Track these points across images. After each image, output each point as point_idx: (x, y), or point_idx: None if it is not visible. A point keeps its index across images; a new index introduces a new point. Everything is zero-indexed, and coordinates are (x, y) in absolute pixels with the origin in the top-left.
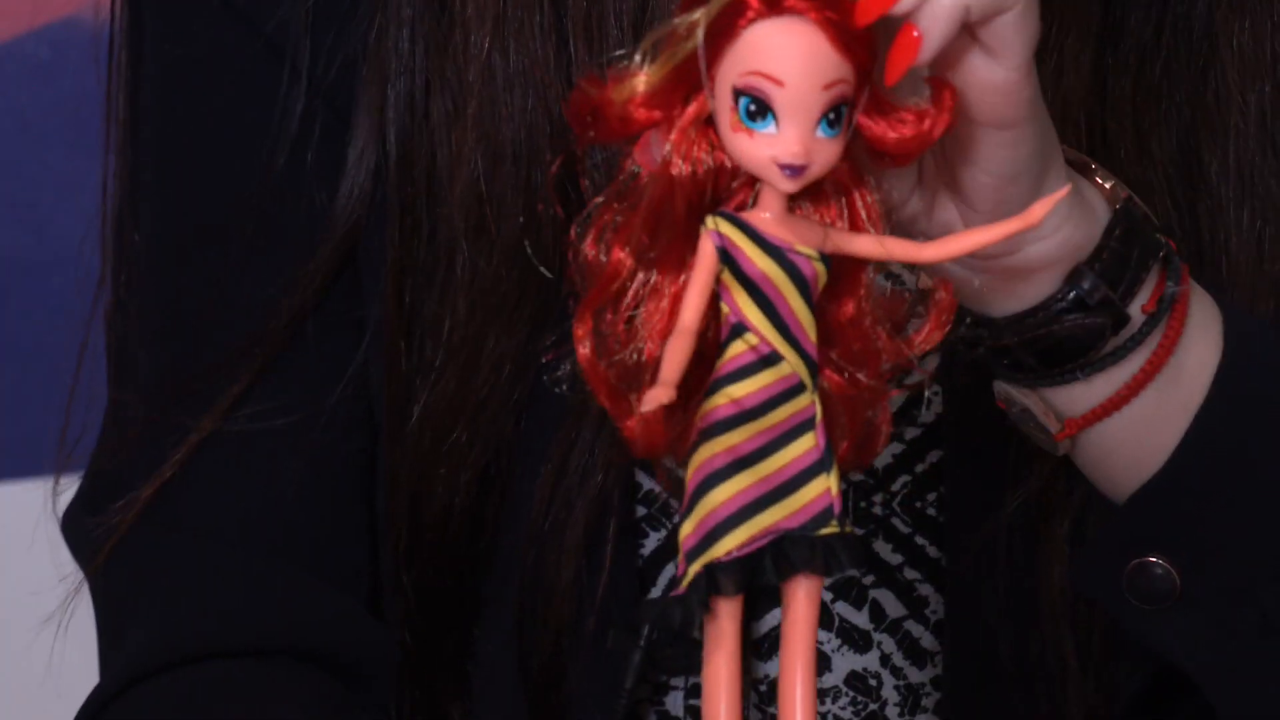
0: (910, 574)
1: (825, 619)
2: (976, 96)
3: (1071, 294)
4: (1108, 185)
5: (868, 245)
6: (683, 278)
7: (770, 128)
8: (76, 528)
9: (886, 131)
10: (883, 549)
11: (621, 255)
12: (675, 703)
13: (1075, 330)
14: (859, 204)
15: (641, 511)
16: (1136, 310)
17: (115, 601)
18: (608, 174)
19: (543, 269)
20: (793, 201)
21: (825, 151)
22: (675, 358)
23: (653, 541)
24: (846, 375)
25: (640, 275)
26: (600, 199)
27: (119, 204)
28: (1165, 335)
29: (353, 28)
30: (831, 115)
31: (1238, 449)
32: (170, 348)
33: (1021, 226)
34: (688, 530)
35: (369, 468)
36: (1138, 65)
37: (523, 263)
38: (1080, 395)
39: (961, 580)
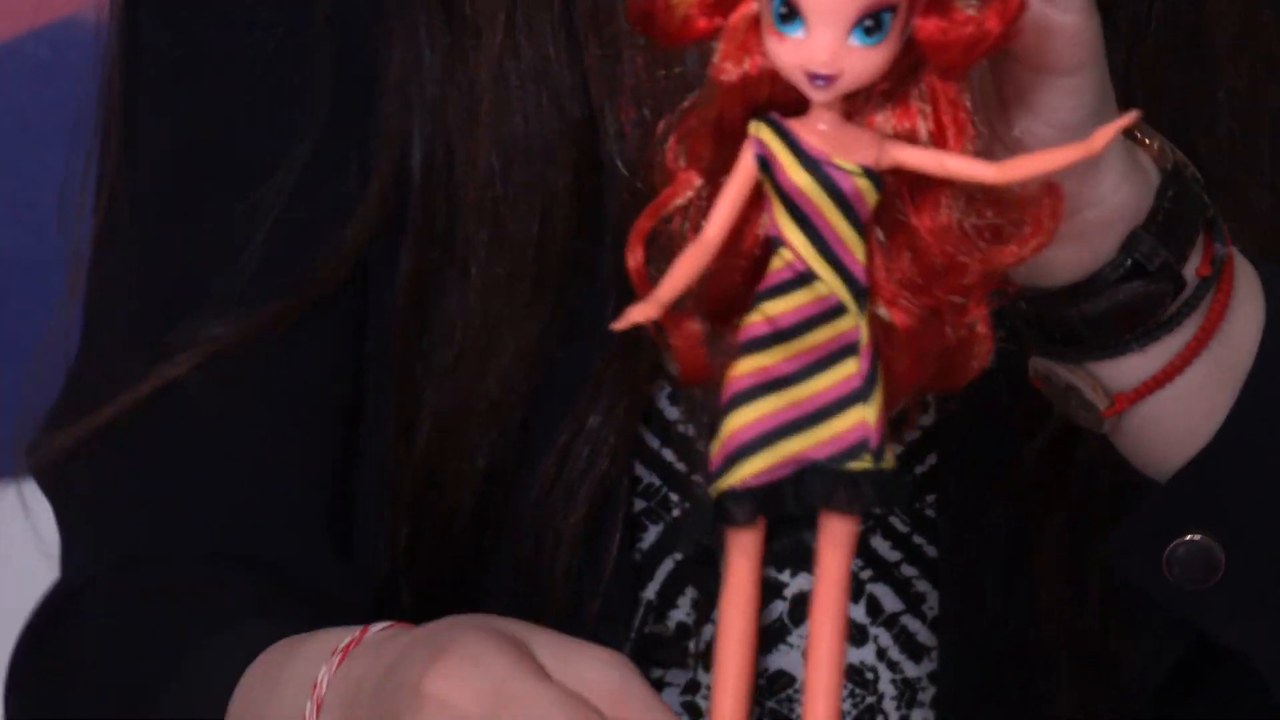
0: (908, 570)
1: None
2: (1039, 41)
3: (1130, 260)
4: (1155, 145)
5: (927, 160)
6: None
7: (800, 32)
8: (40, 451)
9: (940, 33)
10: (880, 545)
11: (688, 172)
12: (670, 699)
13: (1135, 298)
14: (945, 116)
15: (641, 505)
16: (1191, 274)
17: (73, 513)
18: (640, 141)
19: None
20: (862, 105)
21: (861, 61)
22: (680, 274)
23: (652, 535)
24: (916, 297)
25: (708, 188)
26: (687, 103)
27: (107, 207)
28: (1216, 299)
29: (366, 31)
30: (869, 22)
31: None
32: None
33: (1085, 153)
34: (713, 450)
35: (346, 432)
36: (1131, 37)
37: (536, 262)
38: (1133, 367)
39: (958, 576)
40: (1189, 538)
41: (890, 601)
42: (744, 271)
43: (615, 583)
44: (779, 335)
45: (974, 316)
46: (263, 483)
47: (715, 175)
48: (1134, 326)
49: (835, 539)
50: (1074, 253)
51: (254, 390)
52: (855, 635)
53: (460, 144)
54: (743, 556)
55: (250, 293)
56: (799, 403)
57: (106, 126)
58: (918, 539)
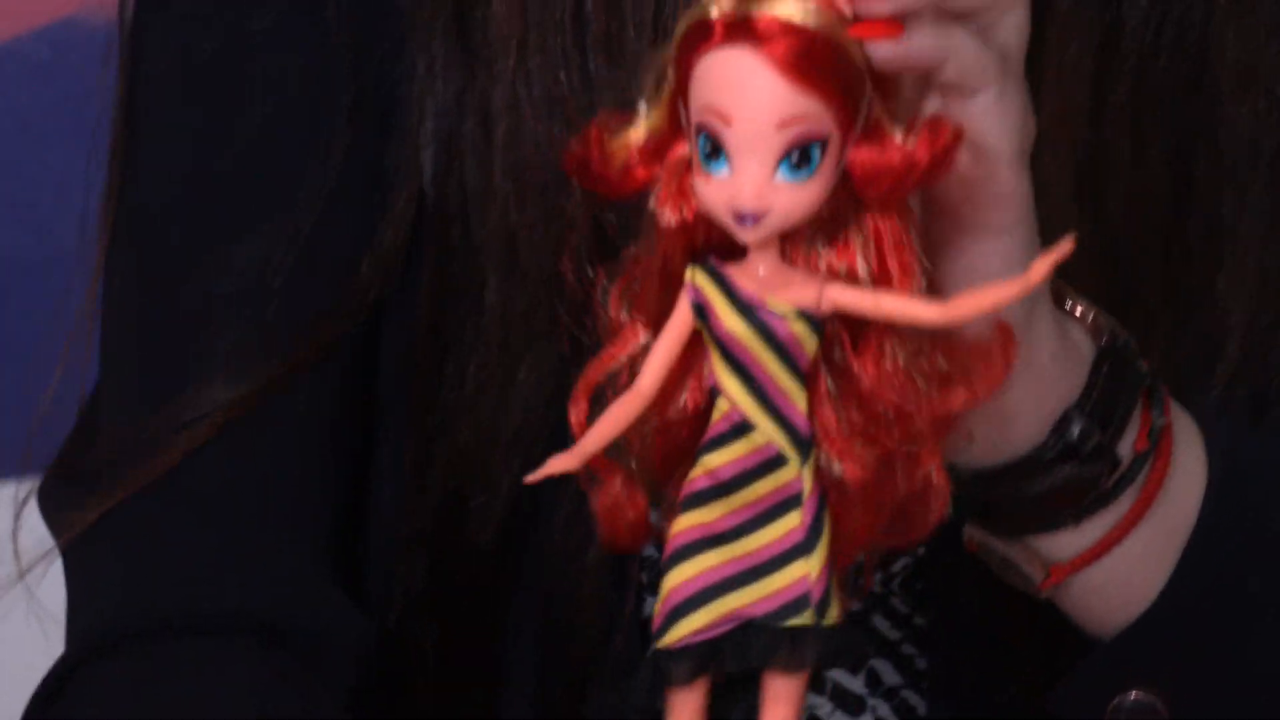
0: (908, 649)
1: (817, 683)
2: (967, 194)
3: (1062, 443)
4: (1089, 316)
5: (867, 303)
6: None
7: (725, 171)
8: (55, 497)
9: (870, 163)
10: (881, 624)
11: (633, 325)
12: None
13: (1068, 481)
14: (890, 257)
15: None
16: (1128, 449)
17: (85, 570)
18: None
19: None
20: (804, 247)
21: (789, 197)
22: (609, 424)
23: None
24: (867, 447)
25: (652, 338)
26: (631, 250)
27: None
28: (1154, 470)
29: (383, 61)
30: (796, 157)
31: (1229, 573)
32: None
33: (1024, 286)
34: (656, 609)
35: (359, 450)
36: (1136, 70)
37: (554, 293)
38: (1068, 541)
39: (952, 669)
40: (1132, 695)
41: (890, 676)
42: (691, 429)
43: (640, 623)
44: (719, 489)
45: (927, 465)
46: (267, 532)
47: (661, 325)
48: (1067, 506)
49: (778, 695)
50: (1003, 434)
51: (262, 434)
52: (852, 705)
53: (474, 174)
54: (682, 715)
55: (266, 333)
56: (739, 558)
57: (113, 154)
58: (919, 620)
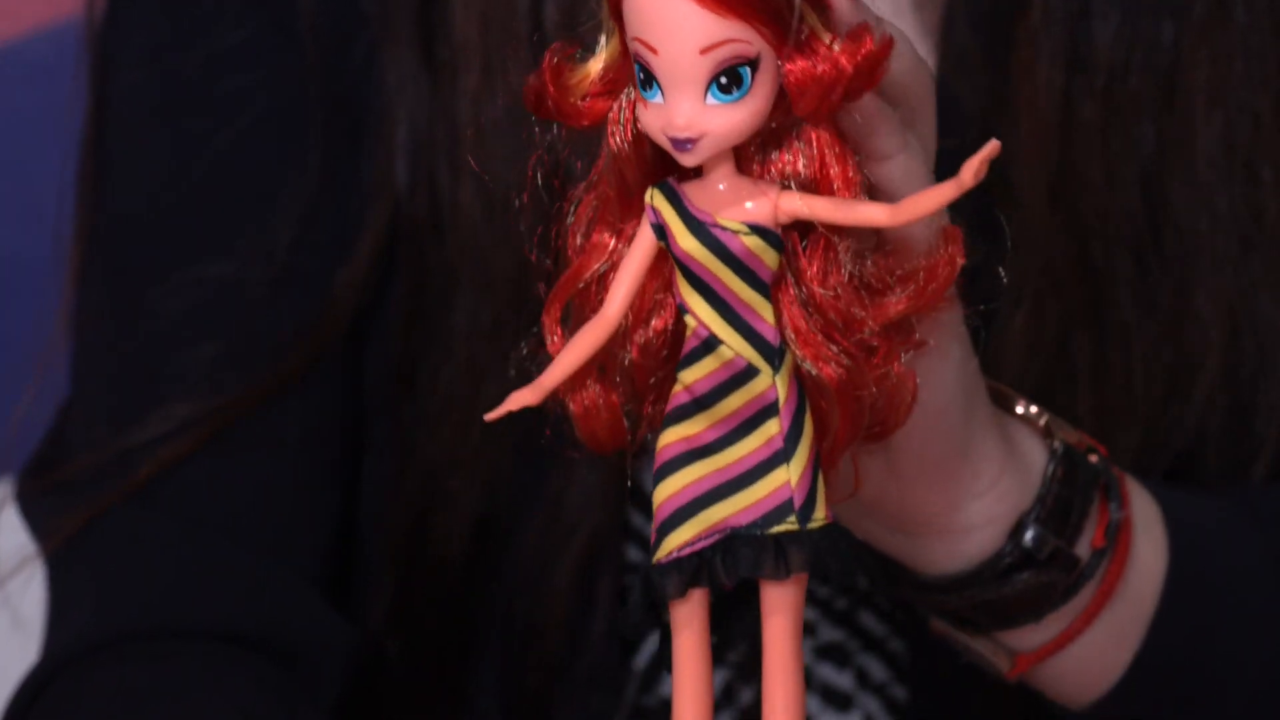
0: (895, 645)
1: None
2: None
3: (1018, 550)
4: (1041, 421)
5: (822, 207)
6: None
7: (658, 97)
8: (35, 502)
9: (801, 74)
10: (868, 619)
11: (599, 237)
12: None
13: (1026, 587)
14: (830, 165)
15: (636, 556)
16: (1085, 548)
17: (68, 577)
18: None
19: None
20: (760, 156)
21: (723, 119)
22: (571, 355)
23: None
24: (833, 349)
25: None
26: (580, 189)
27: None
28: (1113, 563)
29: (355, 77)
30: (724, 79)
31: (1193, 650)
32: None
33: (958, 188)
34: (653, 525)
35: (345, 461)
36: (1105, 90)
37: (520, 308)
38: (1031, 635)
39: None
40: None
41: (878, 671)
42: (669, 347)
43: (606, 645)
44: (698, 403)
45: (885, 365)
46: (251, 542)
47: (626, 240)
48: (1027, 609)
49: (774, 605)
50: (957, 546)
51: (248, 445)
52: (840, 701)
53: (444, 188)
54: (684, 629)
55: (239, 348)
56: (722, 469)
57: (82, 169)
58: (902, 616)
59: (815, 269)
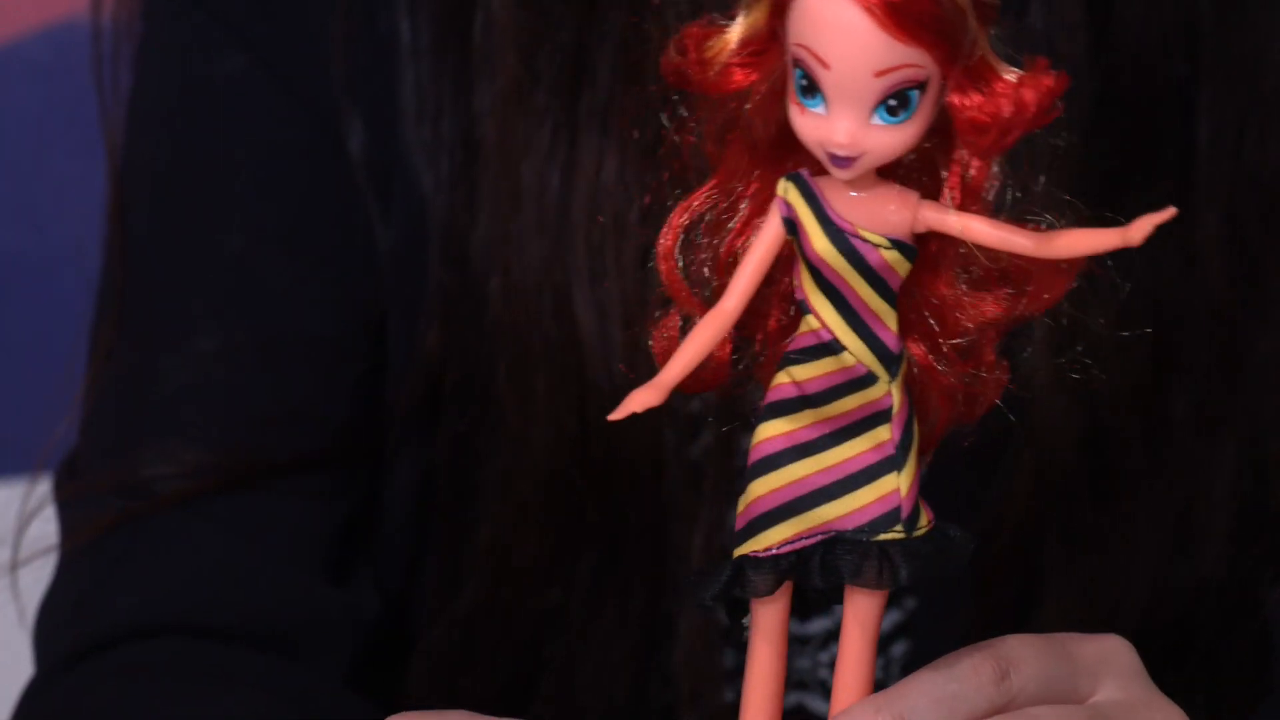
0: (898, 648)
1: (810, 682)
2: None
3: None
4: None
5: (966, 227)
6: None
7: (820, 108)
8: (72, 495)
9: (977, 107)
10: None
11: (744, 156)
12: None
13: None
14: (969, 191)
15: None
16: None
17: (82, 570)
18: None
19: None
20: (902, 166)
21: (885, 140)
22: (690, 351)
23: None
24: (941, 355)
25: (744, 187)
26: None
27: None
28: None
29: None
30: (893, 101)
31: None
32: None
33: (1122, 240)
34: (739, 511)
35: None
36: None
37: (552, 471)
38: None
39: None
40: None
41: (877, 670)
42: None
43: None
44: (806, 400)
45: (984, 362)
46: (268, 539)
47: (752, 176)
48: None
49: (860, 614)
50: None
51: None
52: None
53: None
54: (768, 620)
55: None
56: (828, 469)
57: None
58: (911, 602)
59: (931, 271)
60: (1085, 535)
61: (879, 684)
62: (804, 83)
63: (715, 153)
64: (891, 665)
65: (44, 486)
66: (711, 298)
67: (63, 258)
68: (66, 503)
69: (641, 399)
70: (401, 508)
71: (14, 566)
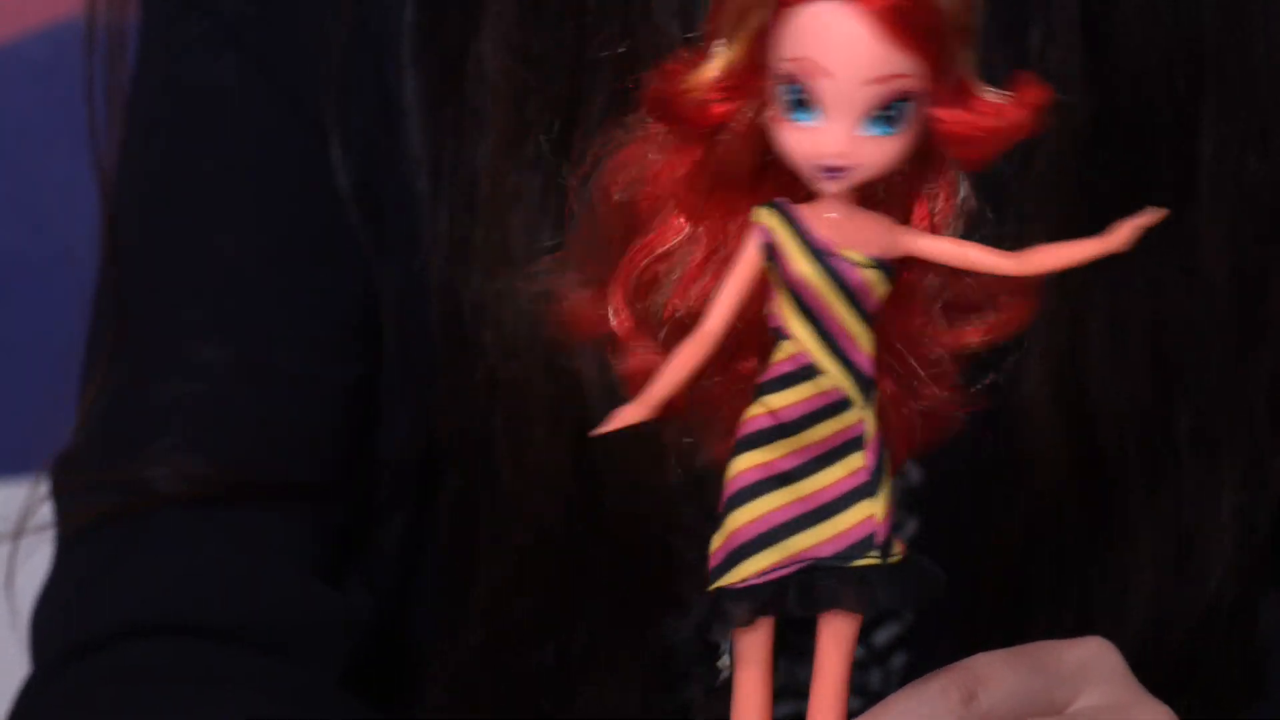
0: (898, 659)
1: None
2: None
3: None
4: None
5: (944, 251)
6: (720, 251)
7: (813, 121)
8: (69, 488)
9: (960, 124)
10: (880, 635)
11: (676, 218)
12: None
13: None
14: (939, 202)
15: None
16: None
17: (76, 568)
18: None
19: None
20: (874, 192)
21: (876, 151)
22: (676, 370)
23: None
24: (908, 383)
25: (698, 236)
26: (615, 136)
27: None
28: None
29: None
30: (886, 112)
31: None
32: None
33: (1103, 248)
34: (715, 546)
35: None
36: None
37: (553, 524)
38: None
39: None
40: None
41: (877, 681)
42: (749, 368)
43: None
44: (781, 429)
45: (942, 390)
46: (262, 539)
47: (699, 216)
48: None
49: (837, 638)
50: None
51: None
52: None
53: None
54: (748, 659)
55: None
56: (804, 498)
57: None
58: (907, 631)
59: (902, 302)
60: (1082, 558)
61: (878, 695)
62: (795, 98)
63: (675, 194)
64: (891, 677)
65: (44, 487)
66: (667, 339)
67: (63, 258)
68: (62, 495)
69: (629, 414)
70: (396, 542)
71: (12, 567)
